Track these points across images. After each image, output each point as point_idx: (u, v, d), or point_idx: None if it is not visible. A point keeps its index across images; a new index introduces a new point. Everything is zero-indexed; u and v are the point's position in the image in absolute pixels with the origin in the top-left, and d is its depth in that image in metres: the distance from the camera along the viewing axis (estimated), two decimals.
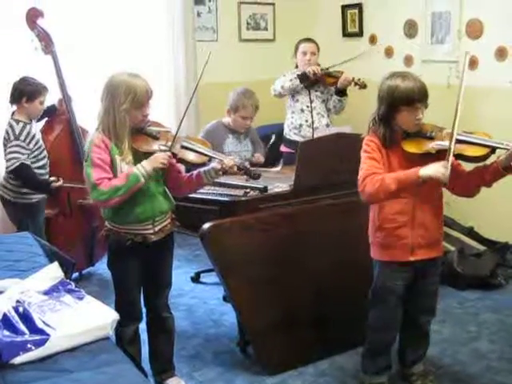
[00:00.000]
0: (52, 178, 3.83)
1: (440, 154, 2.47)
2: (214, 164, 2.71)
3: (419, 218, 2.64)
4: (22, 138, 3.64)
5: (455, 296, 3.99)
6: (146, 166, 2.53)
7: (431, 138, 2.56)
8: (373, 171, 2.53)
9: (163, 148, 2.59)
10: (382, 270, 2.75)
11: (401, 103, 2.53)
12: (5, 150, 3.69)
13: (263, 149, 4.15)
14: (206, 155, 2.69)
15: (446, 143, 2.47)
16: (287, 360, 3.15)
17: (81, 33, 4.55)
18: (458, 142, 2.49)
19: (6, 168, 3.66)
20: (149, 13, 4.97)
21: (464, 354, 3.26)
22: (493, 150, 2.48)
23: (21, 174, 3.67)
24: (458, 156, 2.51)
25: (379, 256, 2.75)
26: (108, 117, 2.55)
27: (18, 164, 3.61)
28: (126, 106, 2.52)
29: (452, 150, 2.40)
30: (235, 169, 2.75)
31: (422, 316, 2.86)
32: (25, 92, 3.67)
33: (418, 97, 2.52)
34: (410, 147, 2.56)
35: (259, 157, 3.99)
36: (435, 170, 2.39)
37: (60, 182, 3.84)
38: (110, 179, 2.50)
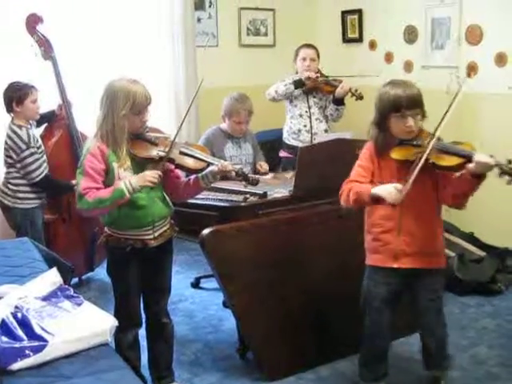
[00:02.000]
0: (74, 181, 3.86)
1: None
2: (212, 168, 2.72)
3: (406, 224, 2.60)
4: (32, 144, 3.68)
5: (455, 301, 3.98)
6: (134, 182, 2.51)
7: (418, 146, 2.54)
8: (354, 179, 2.61)
9: (161, 154, 2.59)
10: (368, 275, 2.76)
11: (389, 110, 2.54)
12: (9, 157, 3.70)
13: (263, 156, 4.15)
14: (204, 161, 2.70)
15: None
16: (287, 366, 3.14)
17: (80, 38, 4.55)
18: (440, 152, 2.48)
19: (33, 179, 3.70)
20: (149, 18, 4.97)
21: (463, 359, 3.25)
22: (468, 160, 2.40)
23: (48, 184, 3.78)
24: (434, 166, 2.49)
25: (366, 260, 2.77)
26: (106, 122, 2.55)
27: (44, 175, 3.71)
28: (125, 112, 2.52)
29: (416, 171, 2.40)
30: (233, 174, 2.76)
31: (427, 337, 2.77)
32: (12, 97, 3.70)
33: (404, 104, 2.50)
34: (396, 154, 2.56)
35: (262, 165, 3.98)
36: (384, 189, 2.43)
37: None
38: (97, 189, 2.50)
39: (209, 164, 2.70)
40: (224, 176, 3.75)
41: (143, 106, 2.58)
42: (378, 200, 2.49)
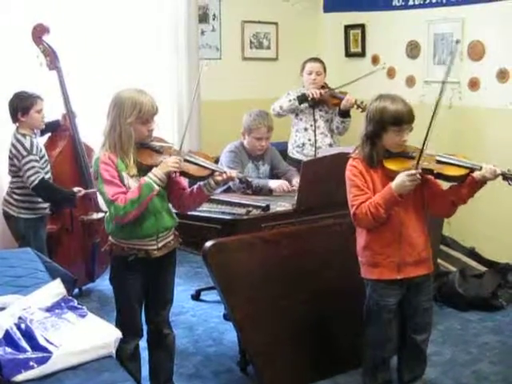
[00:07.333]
0: (76, 189, 3.91)
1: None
2: (214, 175, 2.71)
3: (405, 235, 2.70)
4: (34, 151, 3.68)
5: (456, 317, 3.98)
6: (157, 172, 2.56)
7: (412, 158, 2.63)
8: (359, 201, 2.65)
9: None
10: (373, 288, 2.79)
11: (389, 124, 2.61)
12: (13, 165, 3.71)
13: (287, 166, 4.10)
14: (208, 168, 2.71)
15: (425, 163, 2.59)
16: (288, 380, 3.13)
17: (85, 49, 4.57)
18: (439, 162, 2.62)
19: (29, 185, 3.68)
20: (153, 31, 5.00)
21: (465, 375, 3.24)
22: (471, 170, 2.58)
23: (45, 190, 3.73)
24: (439, 175, 2.62)
25: (367, 274, 2.80)
26: (114, 131, 2.58)
27: (40, 179, 3.66)
28: (132, 120, 2.55)
29: (421, 156, 2.53)
30: (237, 181, 2.79)
31: (418, 335, 2.86)
32: (18, 107, 3.71)
33: (406, 118, 2.61)
34: (392, 165, 2.64)
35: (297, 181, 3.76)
36: (401, 180, 2.53)
37: (83, 192, 3.92)
38: (124, 193, 2.53)
39: (213, 171, 2.72)
40: (228, 188, 3.78)
41: (150, 114, 2.61)
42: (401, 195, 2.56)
